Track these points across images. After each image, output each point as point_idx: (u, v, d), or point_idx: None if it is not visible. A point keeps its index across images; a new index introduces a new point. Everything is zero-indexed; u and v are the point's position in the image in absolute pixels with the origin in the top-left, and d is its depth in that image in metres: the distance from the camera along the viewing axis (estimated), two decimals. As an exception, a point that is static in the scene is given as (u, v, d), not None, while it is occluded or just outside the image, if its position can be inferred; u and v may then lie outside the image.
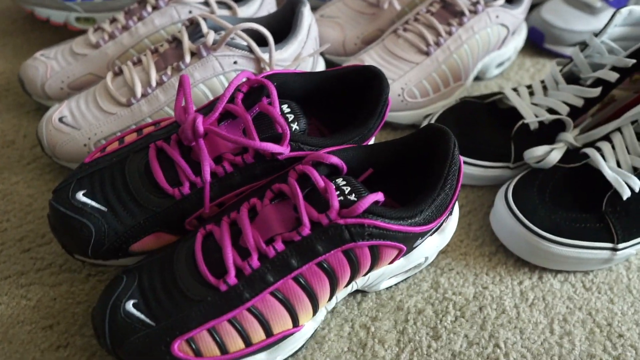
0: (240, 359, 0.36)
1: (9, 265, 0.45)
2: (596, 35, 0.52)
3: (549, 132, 0.52)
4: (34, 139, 0.56)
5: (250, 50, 0.48)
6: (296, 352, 0.39)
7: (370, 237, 0.35)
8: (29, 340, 0.40)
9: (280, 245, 0.35)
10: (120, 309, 0.35)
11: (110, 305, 0.35)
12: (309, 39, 0.52)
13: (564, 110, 0.51)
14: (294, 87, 0.44)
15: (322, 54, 0.63)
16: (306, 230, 0.35)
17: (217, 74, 0.48)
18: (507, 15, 0.60)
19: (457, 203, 0.45)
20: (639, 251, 0.48)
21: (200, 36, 0.49)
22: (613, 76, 0.50)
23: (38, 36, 0.72)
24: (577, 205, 0.47)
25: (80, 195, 0.39)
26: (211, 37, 0.48)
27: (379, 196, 0.36)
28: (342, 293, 0.40)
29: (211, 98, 0.49)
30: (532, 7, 0.73)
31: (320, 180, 0.36)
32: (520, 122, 0.51)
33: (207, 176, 0.38)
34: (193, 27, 0.50)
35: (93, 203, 0.39)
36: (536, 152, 0.49)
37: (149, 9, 0.54)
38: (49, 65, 0.54)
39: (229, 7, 0.56)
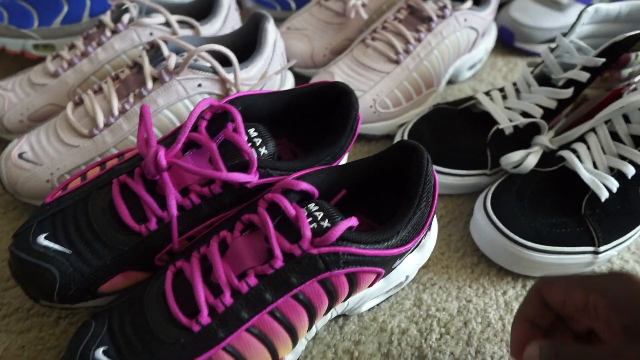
0: (219, 400, 0.34)
1: (-26, 313, 0.43)
2: (565, 35, 0.51)
3: (524, 136, 0.51)
4: (-4, 175, 0.53)
5: (215, 71, 0.47)
6: (279, 385, 0.38)
7: (346, 265, 0.34)
8: (-2, 393, 0.38)
9: (253, 280, 0.33)
10: (89, 358, 0.33)
11: (79, 355, 0.34)
12: (275, 55, 0.51)
13: (538, 112, 0.50)
14: (260, 108, 0.42)
15: (290, 67, 0.62)
16: (279, 262, 0.33)
17: (182, 99, 0.47)
18: (475, 18, 0.59)
19: (435, 216, 0.44)
20: (621, 252, 0.48)
21: (161, 60, 0.48)
22: (584, 76, 0.49)
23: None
24: (556, 209, 0.46)
25: (42, 239, 0.37)
26: (173, 60, 0.46)
27: (353, 221, 0.35)
28: (321, 321, 0.39)
29: (177, 124, 0.48)
30: (501, 6, 0.73)
31: (290, 209, 0.35)
32: (495, 128, 0.51)
33: (174, 211, 0.36)
34: (154, 51, 0.48)
35: (56, 246, 0.37)
36: (512, 158, 0.49)
37: (108, 33, 0.52)
38: (7, 97, 0.52)
39: (192, 27, 0.54)
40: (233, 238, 0.35)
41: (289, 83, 0.56)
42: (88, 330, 0.35)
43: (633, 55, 0.49)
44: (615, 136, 0.47)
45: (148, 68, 0.46)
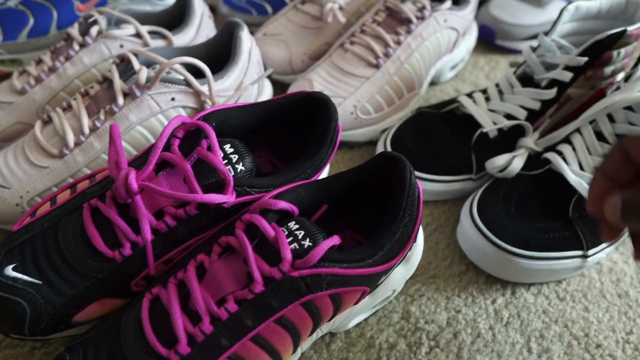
0: None
1: (-56, 347, 0.41)
2: (546, 34, 0.51)
3: (509, 138, 0.50)
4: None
5: (188, 84, 0.45)
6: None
7: (329, 286, 0.33)
8: None
9: (232, 306, 0.32)
10: (64, 395, 0.32)
11: (52, 392, 0.32)
12: (251, 64, 0.49)
13: (522, 114, 0.50)
14: (235, 122, 0.41)
15: (268, 75, 0.60)
16: (259, 286, 0.32)
17: (155, 114, 0.45)
18: (455, 17, 0.58)
19: (420, 226, 0.43)
20: (609, 254, 0.47)
21: (132, 74, 0.46)
22: (567, 76, 0.48)
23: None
24: (543, 213, 0.45)
25: (10, 271, 0.35)
26: (144, 74, 0.44)
27: (334, 240, 0.33)
28: (306, 343, 0.37)
29: (151, 140, 0.46)
30: (481, 4, 0.72)
31: (269, 230, 0.33)
32: (479, 131, 0.49)
33: (148, 235, 0.35)
34: (124, 65, 0.46)
35: (25, 277, 0.35)
36: (498, 162, 0.48)
37: (76, 46, 0.50)
38: (-28, 117, 0.50)
39: (164, 37, 0.52)
40: (211, 262, 0.34)
41: (267, 92, 0.54)
42: (62, 365, 0.33)
43: (615, 52, 0.49)
44: (600, 136, 0.46)
45: (118, 83, 0.45)
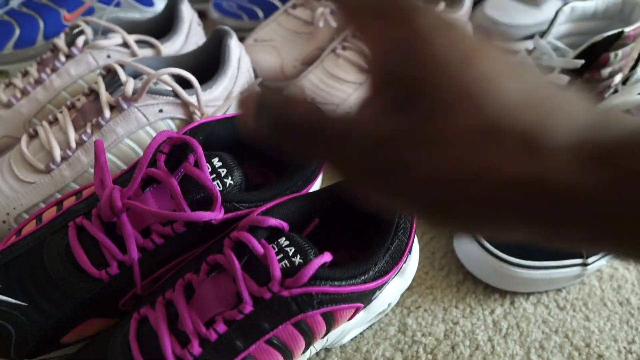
0: None
1: None
2: (542, 36, 0.50)
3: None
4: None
5: (176, 95, 0.44)
6: None
7: (321, 305, 0.32)
8: None
9: (221, 327, 0.31)
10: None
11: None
12: (241, 73, 0.48)
13: (518, 119, 0.48)
14: (224, 134, 0.40)
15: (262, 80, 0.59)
16: (248, 307, 0.31)
17: (143, 126, 0.44)
18: (449, 20, 0.56)
19: (415, 236, 0.42)
20: (610, 260, 0.46)
21: (119, 85, 0.45)
22: (564, 79, 0.47)
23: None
24: (541, 221, 0.44)
25: (-6, 293, 0.34)
26: (130, 86, 0.43)
27: (326, 257, 0.33)
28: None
29: (140, 152, 0.45)
30: (475, 5, 0.71)
31: (258, 247, 0.32)
32: (474, 137, 0.48)
33: (134, 255, 0.34)
34: (111, 76, 0.45)
35: (9, 299, 0.34)
36: (493, 168, 0.47)
37: (62, 58, 0.49)
38: (-42, 132, 0.49)
39: (152, 46, 0.51)
40: (199, 281, 0.33)
41: (258, 100, 0.53)
42: (48, 390, 0.32)
43: (612, 54, 0.48)
44: (598, 140, 0.45)
45: (104, 95, 0.44)
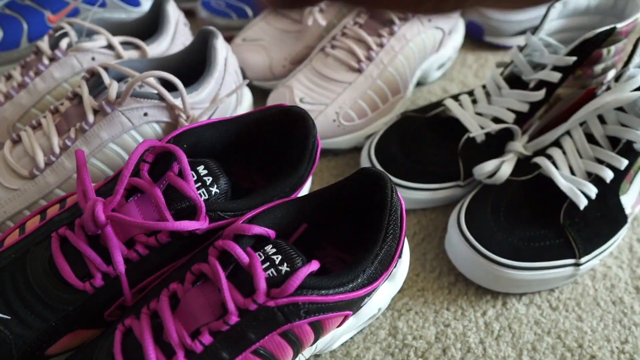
0: None
1: None
2: (533, 32, 0.49)
3: (497, 142, 0.48)
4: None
5: (162, 98, 0.43)
6: None
7: (308, 314, 0.31)
8: None
9: (207, 338, 0.31)
10: None
11: None
12: (228, 74, 0.48)
13: (510, 117, 0.48)
14: (210, 140, 0.39)
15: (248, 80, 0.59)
16: (234, 318, 0.31)
17: (127, 130, 0.43)
18: (440, 17, 0.56)
19: (405, 239, 0.42)
20: (603, 260, 0.46)
21: (103, 89, 0.44)
22: (556, 77, 0.47)
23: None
24: (534, 221, 0.44)
25: (-24, 306, 0.34)
26: (114, 89, 0.43)
27: (313, 266, 0.32)
28: (289, 370, 0.36)
29: (125, 157, 0.44)
30: None
31: (243, 257, 0.32)
32: (465, 136, 0.48)
33: (121, 267, 0.33)
34: (95, 79, 0.44)
35: (-8, 312, 0.34)
36: (486, 168, 0.46)
37: (46, 61, 0.48)
38: (-58, 137, 0.48)
39: (137, 47, 0.50)
40: (184, 291, 0.33)
41: (246, 100, 0.52)
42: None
43: (605, 50, 0.47)
44: (591, 138, 0.45)
45: (88, 99, 0.43)
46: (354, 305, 0.34)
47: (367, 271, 0.34)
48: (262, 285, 0.30)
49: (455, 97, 0.52)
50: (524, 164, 0.47)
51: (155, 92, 0.43)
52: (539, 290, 0.44)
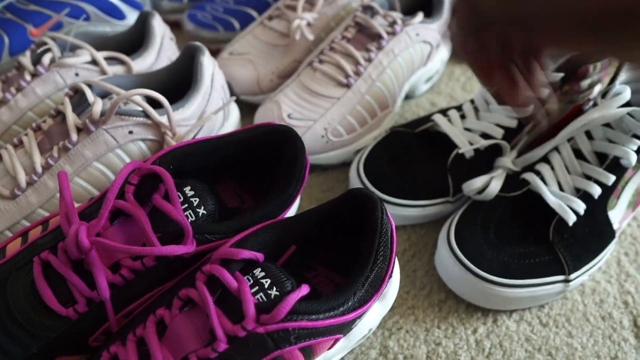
0: None
1: None
2: (520, 48, 0.49)
3: (486, 158, 0.48)
4: None
5: (147, 115, 0.43)
6: None
7: (298, 340, 0.31)
8: None
9: (195, 366, 0.30)
10: None
11: None
12: (214, 90, 0.47)
13: (499, 133, 0.48)
14: (197, 160, 0.39)
15: (236, 96, 0.58)
16: (222, 345, 0.30)
17: (112, 149, 0.42)
18: (427, 31, 0.56)
19: (395, 258, 0.41)
20: (592, 275, 0.46)
21: (87, 106, 0.43)
22: (544, 93, 0.47)
23: None
24: (523, 237, 0.44)
25: (-46, 335, 0.33)
26: (98, 107, 0.42)
27: (303, 290, 0.31)
28: (279, 395, 0.35)
29: (110, 176, 0.43)
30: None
31: (232, 282, 0.31)
32: (454, 152, 0.48)
33: (105, 293, 0.32)
34: (78, 96, 0.43)
35: (-29, 341, 0.33)
36: (475, 185, 0.46)
37: (28, 77, 0.47)
38: None
39: (122, 62, 0.49)
40: (172, 317, 0.32)
41: (234, 116, 0.52)
42: None
43: (591, 66, 0.47)
44: (579, 154, 0.45)
45: (71, 117, 0.42)
46: (345, 329, 0.34)
47: (357, 294, 0.33)
48: (251, 311, 0.30)
49: (444, 112, 0.51)
50: (513, 180, 0.47)
51: (141, 109, 0.43)
52: (529, 307, 0.44)
